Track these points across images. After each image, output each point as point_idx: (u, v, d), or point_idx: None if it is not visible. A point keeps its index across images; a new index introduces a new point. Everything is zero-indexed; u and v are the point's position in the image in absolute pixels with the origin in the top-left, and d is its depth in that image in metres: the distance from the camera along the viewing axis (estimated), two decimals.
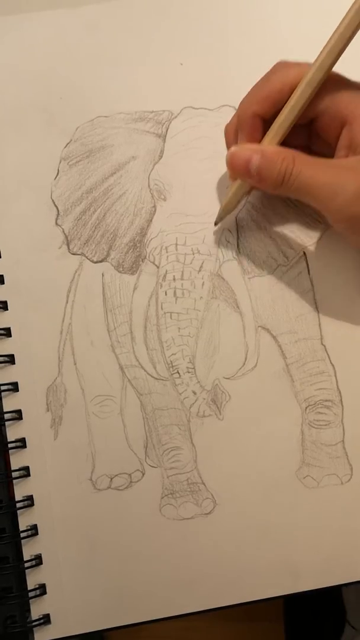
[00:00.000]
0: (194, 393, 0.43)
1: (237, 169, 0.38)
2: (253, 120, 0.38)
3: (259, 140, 0.39)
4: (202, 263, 0.43)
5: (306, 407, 0.43)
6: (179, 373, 0.43)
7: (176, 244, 0.43)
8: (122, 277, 0.44)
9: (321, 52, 0.37)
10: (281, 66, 0.38)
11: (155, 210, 0.44)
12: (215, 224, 0.43)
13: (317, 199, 0.37)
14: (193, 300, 0.43)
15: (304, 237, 0.44)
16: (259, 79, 0.45)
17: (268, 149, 0.37)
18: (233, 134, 0.40)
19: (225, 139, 0.42)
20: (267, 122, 0.39)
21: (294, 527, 0.42)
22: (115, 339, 0.43)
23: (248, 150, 0.37)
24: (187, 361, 0.43)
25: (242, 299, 0.44)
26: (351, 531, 0.43)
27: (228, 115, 0.44)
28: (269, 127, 0.39)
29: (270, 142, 0.38)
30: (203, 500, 0.42)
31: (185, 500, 0.42)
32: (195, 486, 0.43)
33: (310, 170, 0.36)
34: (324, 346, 0.43)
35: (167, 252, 0.43)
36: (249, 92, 0.39)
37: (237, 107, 0.44)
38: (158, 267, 0.44)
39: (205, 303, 0.43)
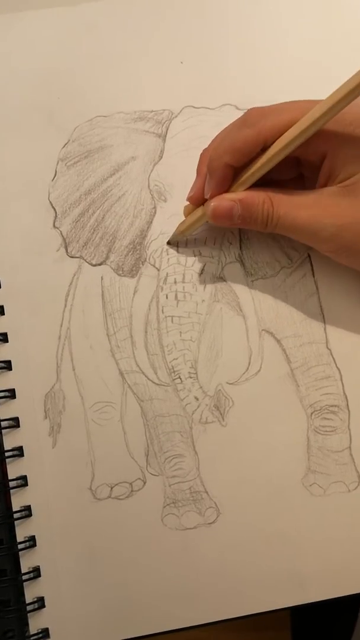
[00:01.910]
0: (196, 399, 0.42)
1: (221, 220, 0.39)
2: (225, 170, 0.38)
3: (228, 186, 0.39)
4: (204, 265, 0.43)
5: (312, 413, 0.42)
6: (180, 378, 0.42)
7: (177, 246, 0.43)
8: (121, 280, 0.43)
9: (304, 119, 0.35)
10: (256, 116, 0.38)
11: (155, 212, 0.43)
12: (169, 243, 0.43)
13: (301, 237, 0.39)
14: (195, 304, 0.43)
15: None
16: (259, 77, 0.44)
17: (245, 198, 0.38)
18: (204, 168, 0.40)
19: (198, 167, 0.41)
20: (238, 169, 0.39)
21: (300, 536, 0.42)
22: (115, 344, 0.43)
23: (227, 201, 0.39)
24: (189, 366, 0.42)
25: (245, 302, 0.43)
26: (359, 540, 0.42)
27: (229, 114, 0.43)
28: (240, 171, 0.39)
29: (240, 188, 0.39)
30: (206, 509, 0.41)
31: (188, 510, 0.41)
32: (198, 495, 0.42)
33: (290, 212, 0.38)
34: (330, 350, 0.43)
35: (167, 254, 0.43)
36: (221, 139, 0.39)
37: (238, 106, 0.44)
38: (159, 270, 0.43)
39: (208, 306, 0.43)
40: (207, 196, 0.39)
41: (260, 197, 0.38)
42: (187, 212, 0.42)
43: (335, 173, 0.38)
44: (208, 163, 0.39)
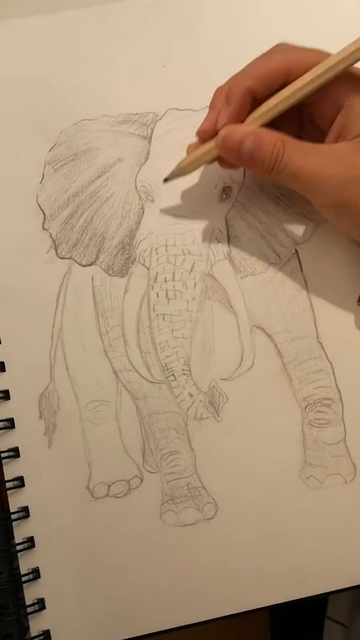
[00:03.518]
0: (191, 395, 0.42)
1: (228, 151, 0.38)
2: (244, 96, 0.37)
3: (244, 118, 0.38)
4: (193, 264, 0.43)
5: (306, 406, 0.42)
6: (174, 375, 0.42)
7: (166, 245, 0.43)
8: (112, 280, 0.43)
9: (339, 53, 0.36)
10: (283, 48, 0.38)
11: (143, 212, 0.44)
12: (166, 180, 0.41)
13: (304, 187, 0.37)
14: (185, 302, 0.43)
15: (295, 234, 0.43)
16: None
17: (260, 133, 0.37)
18: (220, 101, 0.39)
19: (212, 101, 0.40)
20: (255, 101, 0.38)
21: (298, 529, 0.42)
22: (107, 343, 0.43)
23: (240, 133, 0.37)
24: (182, 363, 0.42)
25: (236, 298, 0.43)
26: (358, 531, 0.42)
27: None
28: (256, 106, 0.38)
29: (255, 122, 0.38)
30: (204, 505, 0.41)
31: (186, 506, 0.41)
32: (195, 491, 0.42)
33: (299, 158, 0.36)
34: (321, 344, 0.43)
35: (157, 253, 0.43)
36: (245, 67, 0.38)
37: None
38: (148, 269, 0.43)
39: (198, 304, 0.43)
40: (220, 125, 0.38)
41: (273, 137, 0.37)
42: (191, 151, 0.41)
43: (349, 128, 0.37)
44: (228, 89, 0.38)
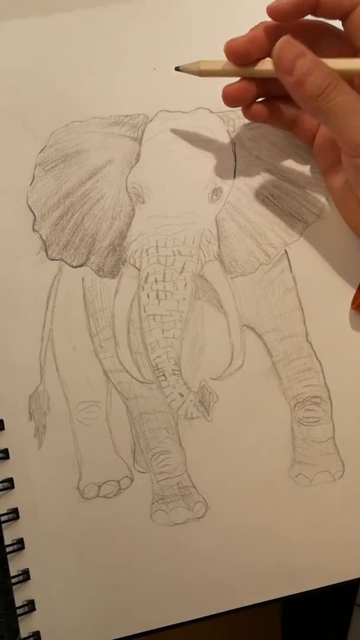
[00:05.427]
0: (181, 395, 0.42)
1: (282, 63, 0.36)
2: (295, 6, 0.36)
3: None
4: (184, 264, 0.43)
5: (295, 405, 0.43)
6: (164, 375, 0.42)
7: (157, 246, 0.43)
8: (102, 281, 0.43)
9: None
10: None
11: (134, 214, 0.44)
12: (177, 69, 0.41)
13: (344, 128, 0.35)
14: (176, 302, 0.43)
15: (284, 234, 0.44)
16: (230, 79, 0.45)
17: (317, 59, 0.35)
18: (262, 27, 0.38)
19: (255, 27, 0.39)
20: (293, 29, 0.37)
21: (288, 527, 0.42)
22: (98, 344, 0.43)
23: (300, 48, 0.35)
24: (173, 363, 0.42)
25: (226, 298, 0.43)
26: (346, 528, 0.42)
27: (203, 117, 0.44)
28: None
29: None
30: (195, 504, 0.42)
31: (177, 505, 0.42)
32: (186, 490, 0.42)
33: (349, 96, 0.35)
34: (310, 343, 0.43)
35: (147, 254, 0.43)
36: None
37: (211, 109, 0.45)
38: (139, 270, 0.43)
39: (189, 304, 0.43)
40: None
41: (329, 68, 0.35)
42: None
43: None
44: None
